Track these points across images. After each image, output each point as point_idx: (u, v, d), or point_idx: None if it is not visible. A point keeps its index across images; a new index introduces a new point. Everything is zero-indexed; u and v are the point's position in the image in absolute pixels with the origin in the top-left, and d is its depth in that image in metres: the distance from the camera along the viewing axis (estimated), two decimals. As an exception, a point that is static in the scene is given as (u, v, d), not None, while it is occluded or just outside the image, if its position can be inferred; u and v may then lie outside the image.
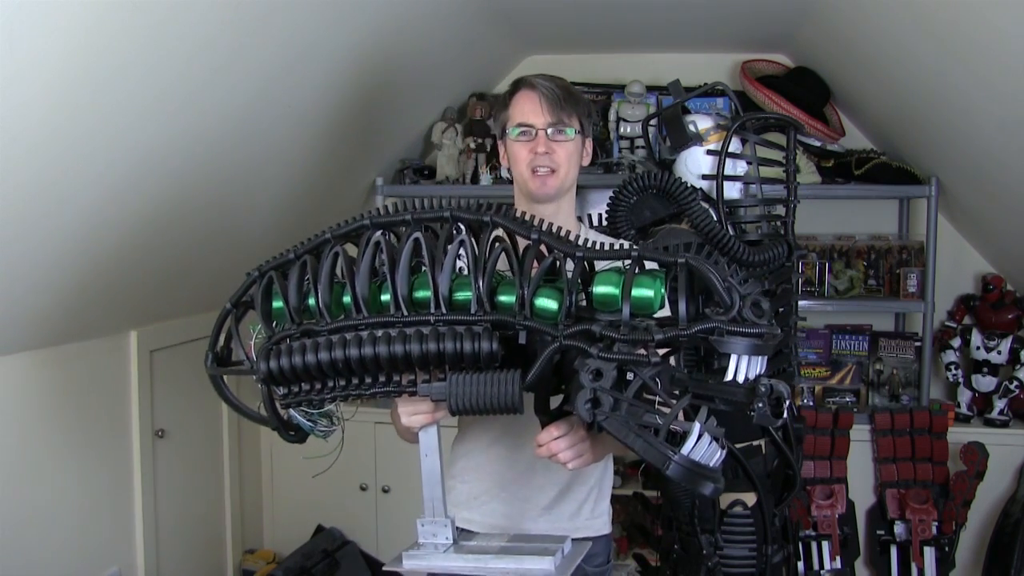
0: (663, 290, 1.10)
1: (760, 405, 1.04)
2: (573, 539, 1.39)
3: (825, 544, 2.69)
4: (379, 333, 1.17)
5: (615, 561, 2.86)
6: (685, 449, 1.05)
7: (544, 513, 1.59)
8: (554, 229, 1.20)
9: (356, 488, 3.02)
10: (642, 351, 1.07)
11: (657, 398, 1.12)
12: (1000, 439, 2.76)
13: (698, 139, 1.91)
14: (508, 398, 1.13)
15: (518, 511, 1.59)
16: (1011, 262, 2.91)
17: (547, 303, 1.13)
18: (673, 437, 1.07)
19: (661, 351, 1.11)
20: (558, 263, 1.18)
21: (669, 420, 1.06)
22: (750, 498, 1.86)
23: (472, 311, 1.15)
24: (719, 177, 1.86)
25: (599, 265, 1.17)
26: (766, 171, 1.95)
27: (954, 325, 2.99)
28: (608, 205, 1.92)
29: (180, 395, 2.59)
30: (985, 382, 2.87)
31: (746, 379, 1.05)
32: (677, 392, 1.14)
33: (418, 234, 1.21)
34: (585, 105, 1.61)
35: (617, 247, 1.21)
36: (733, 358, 1.03)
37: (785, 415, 1.06)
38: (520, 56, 3.23)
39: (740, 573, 1.87)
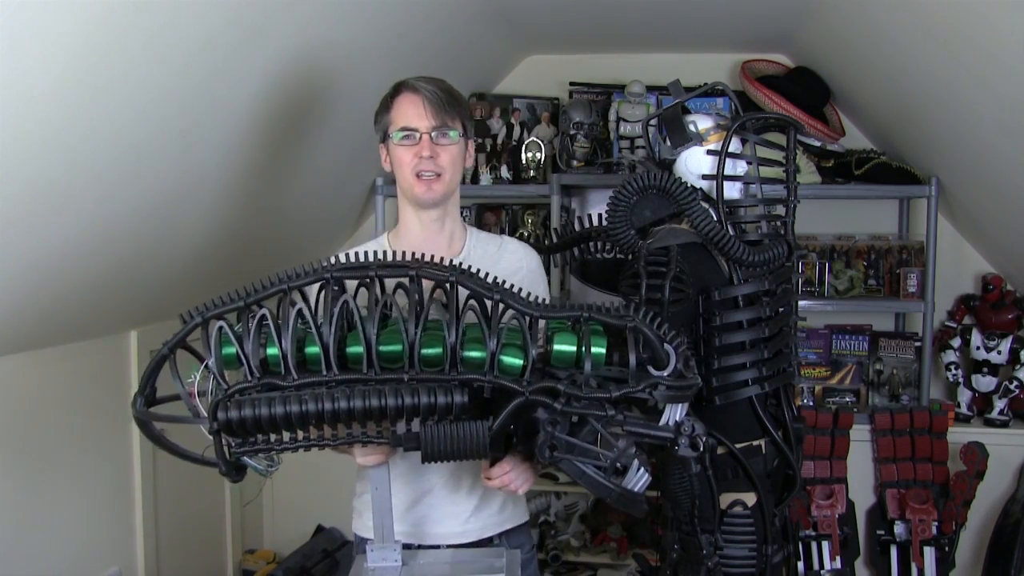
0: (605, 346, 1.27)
1: (683, 442, 1.24)
2: (500, 534, 1.63)
3: (825, 544, 2.69)
4: (352, 388, 1.20)
5: (615, 561, 2.87)
6: (626, 481, 1.25)
7: (475, 513, 1.61)
8: (515, 289, 1.28)
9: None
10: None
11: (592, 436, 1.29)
12: (1000, 439, 2.76)
13: (698, 139, 1.91)
14: (478, 447, 1.23)
15: (449, 515, 1.60)
16: (1011, 262, 2.91)
17: (513, 360, 1.23)
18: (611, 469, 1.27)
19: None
20: (520, 319, 1.27)
21: (615, 459, 1.24)
22: (750, 498, 1.86)
23: (445, 368, 1.22)
24: (719, 177, 1.86)
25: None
26: (766, 171, 1.95)
27: (954, 325, 3.00)
28: (608, 205, 1.92)
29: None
30: (985, 382, 2.87)
31: (681, 418, 1.26)
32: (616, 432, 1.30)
33: (388, 295, 1.26)
34: (467, 107, 1.61)
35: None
36: (669, 406, 1.23)
37: (702, 448, 1.26)
38: (520, 56, 3.23)
39: (740, 573, 1.87)
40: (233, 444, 1.24)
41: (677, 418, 1.25)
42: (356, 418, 1.21)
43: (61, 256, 1.81)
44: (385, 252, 1.28)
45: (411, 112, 1.53)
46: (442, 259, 1.28)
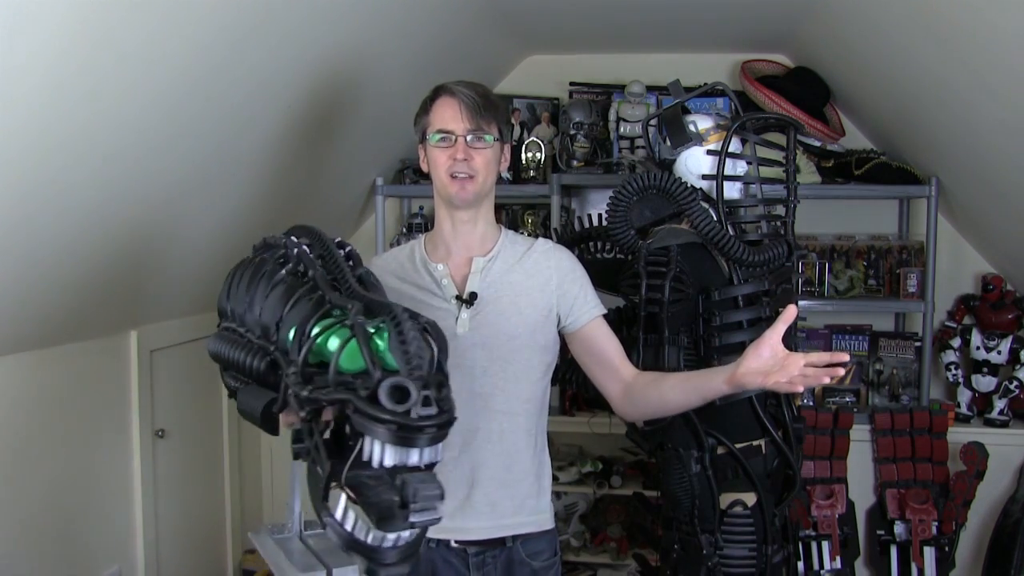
0: (342, 341, 1.03)
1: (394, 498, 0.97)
2: (514, 537, 1.57)
3: (825, 544, 2.69)
4: (224, 335, 1.27)
5: (615, 561, 2.87)
6: (336, 514, 1.02)
7: (482, 508, 1.58)
8: (339, 269, 1.21)
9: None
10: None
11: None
12: (1000, 439, 2.76)
13: (698, 139, 1.91)
14: (254, 415, 1.17)
15: (455, 509, 1.56)
16: (1011, 262, 2.91)
17: (291, 336, 1.12)
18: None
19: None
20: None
21: (323, 481, 1.02)
22: (750, 498, 1.86)
23: (254, 333, 1.21)
24: (719, 177, 1.87)
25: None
26: (766, 171, 1.95)
27: (954, 325, 3.00)
28: (608, 205, 1.92)
29: (180, 395, 2.59)
30: (985, 382, 2.87)
31: (394, 465, 0.96)
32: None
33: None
34: (504, 112, 1.64)
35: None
36: (367, 437, 0.95)
37: (414, 518, 0.94)
38: (520, 56, 3.23)
39: (740, 573, 1.87)
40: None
41: (390, 461, 0.94)
42: (226, 363, 1.26)
43: (61, 256, 1.81)
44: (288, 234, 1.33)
45: (448, 115, 1.56)
46: (318, 237, 1.29)
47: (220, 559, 2.91)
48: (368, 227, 3.25)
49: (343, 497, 1.02)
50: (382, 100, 2.52)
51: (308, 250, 1.24)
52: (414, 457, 0.95)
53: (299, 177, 2.50)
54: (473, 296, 1.57)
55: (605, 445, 2.95)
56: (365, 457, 0.95)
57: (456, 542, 1.60)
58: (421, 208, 3.20)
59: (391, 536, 0.98)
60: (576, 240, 2.21)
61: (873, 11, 2.25)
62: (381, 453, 0.94)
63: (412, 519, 0.94)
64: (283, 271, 1.22)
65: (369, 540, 0.99)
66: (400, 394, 0.94)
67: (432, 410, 0.94)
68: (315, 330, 1.08)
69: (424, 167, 1.64)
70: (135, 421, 2.39)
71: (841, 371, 1.29)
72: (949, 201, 2.87)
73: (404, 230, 3.14)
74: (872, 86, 2.76)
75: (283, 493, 3.16)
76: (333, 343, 1.05)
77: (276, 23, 1.81)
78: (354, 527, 1.00)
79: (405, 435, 0.93)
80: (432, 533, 1.56)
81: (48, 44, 1.33)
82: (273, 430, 1.19)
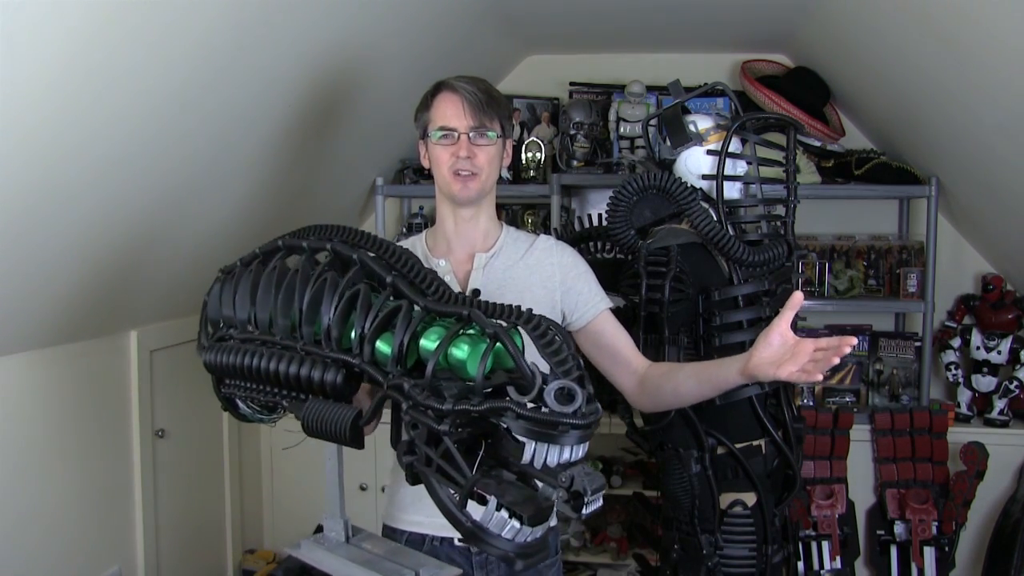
0: (481, 352, 1.05)
1: (556, 494, 1.00)
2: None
3: (825, 544, 2.69)
4: (254, 348, 1.23)
5: (615, 561, 2.88)
6: (479, 516, 1.03)
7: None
8: (415, 272, 1.21)
9: (356, 488, 3.03)
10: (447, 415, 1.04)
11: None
12: (1000, 439, 2.77)
13: (698, 139, 1.91)
14: (340, 431, 1.16)
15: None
16: (1011, 262, 2.91)
17: (383, 347, 1.13)
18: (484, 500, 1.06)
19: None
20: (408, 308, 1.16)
21: (468, 487, 1.04)
22: (750, 498, 1.86)
23: (323, 345, 1.18)
24: (719, 177, 1.87)
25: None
26: (766, 171, 1.95)
27: (954, 325, 3.00)
28: (608, 205, 1.92)
29: (180, 395, 2.59)
30: (985, 382, 2.87)
31: (557, 464, 1.00)
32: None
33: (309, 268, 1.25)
34: (506, 107, 1.63)
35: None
36: (531, 441, 0.99)
37: (586, 511, 0.99)
38: (520, 56, 3.23)
39: (740, 573, 1.87)
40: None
41: (554, 460, 0.99)
42: (264, 379, 1.23)
43: (61, 256, 1.81)
44: (315, 227, 1.33)
45: (450, 112, 1.55)
46: (366, 236, 1.26)
47: (220, 559, 2.91)
48: (368, 227, 3.25)
49: (493, 500, 1.03)
50: (382, 100, 2.52)
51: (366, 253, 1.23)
52: (577, 452, 1.00)
53: (299, 177, 2.50)
54: (476, 292, 1.57)
55: (605, 445, 2.95)
56: (526, 459, 0.99)
57: (460, 540, 1.59)
58: (421, 208, 3.20)
59: (511, 527, 1.02)
60: (576, 240, 2.21)
61: (873, 11, 2.25)
62: (545, 453, 0.98)
63: (586, 510, 0.99)
64: (346, 279, 1.19)
65: (518, 539, 1.03)
66: (567, 396, 0.98)
67: (594, 406, 1.00)
68: (428, 341, 1.10)
69: (425, 163, 1.63)
70: (135, 421, 2.39)
71: (847, 348, 1.25)
72: (949, 201, 2.87)
73: (404, 230, 3.14)
74: (872, 86, 2.76)
75: (283, 493, 3.17)
76: (458, 352, 1.06)
77: (275, 24, 1.81)
78: (503, 528, 1.02)
79: (568, 434, 0.98)
80: (436, 531, 1.57)
81: (49, 46, 1.34)
82: (360, 444, 1.19)
